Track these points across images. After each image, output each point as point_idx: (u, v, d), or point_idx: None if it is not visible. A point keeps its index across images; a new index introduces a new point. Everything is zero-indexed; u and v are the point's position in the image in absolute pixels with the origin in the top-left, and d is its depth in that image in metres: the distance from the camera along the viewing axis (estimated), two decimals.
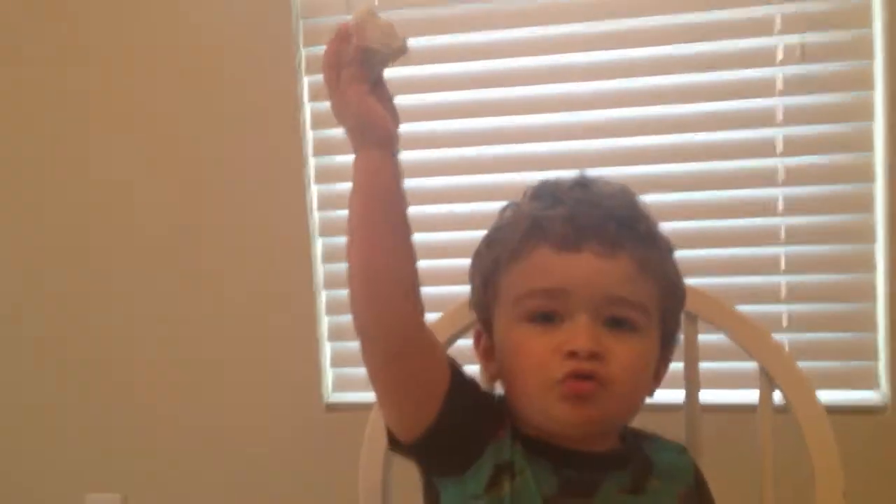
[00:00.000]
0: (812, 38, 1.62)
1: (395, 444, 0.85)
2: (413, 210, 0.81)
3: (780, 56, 1.63)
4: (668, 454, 0.90)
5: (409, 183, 0.80)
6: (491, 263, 0.86)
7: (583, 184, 0.87)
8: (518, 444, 0.84)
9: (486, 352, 0.89)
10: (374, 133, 0.79)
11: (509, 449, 0.83)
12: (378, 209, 0.79)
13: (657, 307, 0.83)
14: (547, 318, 0.81)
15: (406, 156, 0.82)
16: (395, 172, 0.79)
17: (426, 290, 0.80)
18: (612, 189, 0.87)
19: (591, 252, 0.80)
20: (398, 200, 0.79)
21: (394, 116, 0.80)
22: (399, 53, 0.78)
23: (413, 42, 0.79)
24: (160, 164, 1.89)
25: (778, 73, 1.64)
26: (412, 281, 0.79)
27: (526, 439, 0.84)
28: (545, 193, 0.86)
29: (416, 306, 0.80)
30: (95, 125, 1.91)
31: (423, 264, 0.80)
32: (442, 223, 1.79)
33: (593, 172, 0.89)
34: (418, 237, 0.80)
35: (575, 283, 0.80)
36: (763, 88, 1.65)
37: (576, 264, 0.80)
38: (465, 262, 0.92)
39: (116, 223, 1.93)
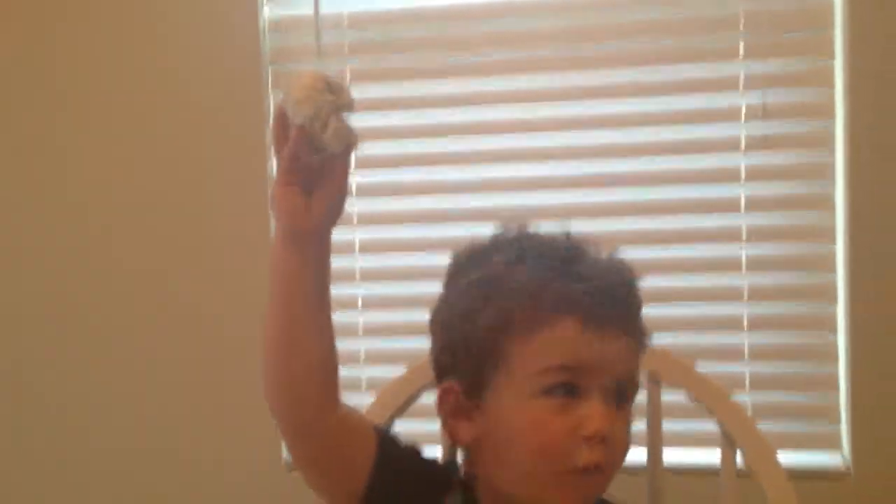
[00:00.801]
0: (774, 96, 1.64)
1: None
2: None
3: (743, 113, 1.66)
4: None
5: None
6: (495, 325, 0.81)
7: (581, 254, 0.85)
8: None
9: (459, 412, 0.85)
10: (281, 224, 0.77)
11: None
12: (286, 301, 0.77)
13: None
14: (568, 392, 0.79)
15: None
16: (301, 266, 0.76)
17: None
18: (614, 258, 0.86)
19: (613, 330, 0.80)
20: (309, 296, 0.77)
21: (328, 210, 0.76)
22: (338, 110, 0.71)
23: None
24: (131, 180, 1.86)
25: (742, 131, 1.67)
26: (317, 371, 0.77)
27: None
28: (548, 256, 0.83)
29: (323, 393, 0.78)
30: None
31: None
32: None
33: (567, 230, 0.88)
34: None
35: (598, 361, 0.79)
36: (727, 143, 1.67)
37: (598, 343, 0.79)
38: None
39: (76, 231, 1.88)
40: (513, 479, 0.82)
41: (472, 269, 0.85)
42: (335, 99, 0.71)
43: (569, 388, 0.79)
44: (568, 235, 0.87)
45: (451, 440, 0.88)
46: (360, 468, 0.80)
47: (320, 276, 0.78)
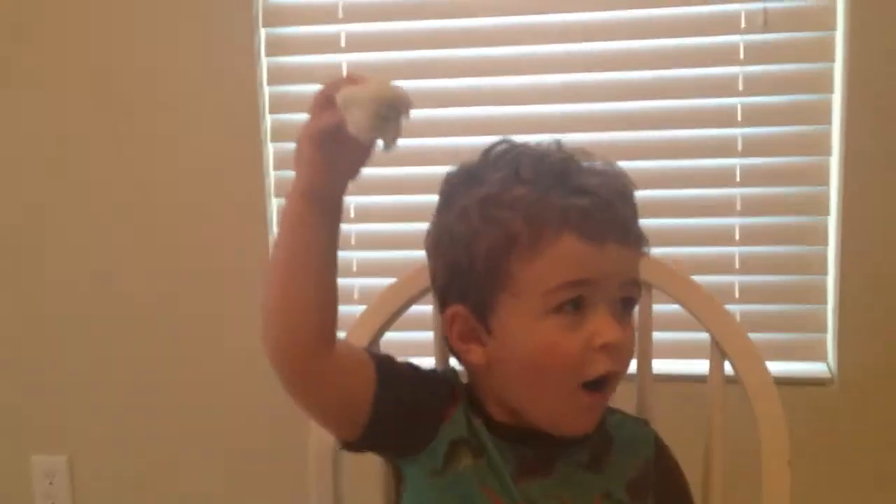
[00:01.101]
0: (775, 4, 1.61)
1: (342, 443, 0.85)
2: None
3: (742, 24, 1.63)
4: (629, 429, 0.90)
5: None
6: (497, 246, 0.80)
7: (576, 166, 0.83)
8: (478, 421, 0.84)
9: (468, 336, 0.84)
10: (298, 181, 0.76)
11: (465, 426, 0.83)
12: (294, 250, 0.77)
13: None
14: (576, 307, 0.79)
15: None
16: (315, 226, 0.76)
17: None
18: (609, 167, 0.85)
19: (615, 241, 0.80)
20: (318, 253, 0.77)
21: (345, 175, 0.77)
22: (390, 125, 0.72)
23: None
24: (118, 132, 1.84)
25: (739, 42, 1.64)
26: (316, 313, 0.77)
27: (487, 419, 0.84)
28: (544, 171, 0.81)
29: (321, 336, 0.78)
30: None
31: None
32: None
33: (561, 139, 0.86)
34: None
35: (602, 273, 0.79)
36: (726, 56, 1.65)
37: (602, 255, 0.79)
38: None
39: (70, 183, 1.87)
40: (528, 397, 0.82)
41: (468, 190, 0.83)
42: (392, 122, 0.72)
43: (576, 303, 0.79)
44: (559, 145, 0.85)
45: (464, 365, 0.88)
46: (362, 399, 0.80)
47: (331, 232, 0.78)
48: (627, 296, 0.82)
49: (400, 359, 0.88)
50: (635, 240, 0.83)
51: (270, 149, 1.82)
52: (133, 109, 1.83)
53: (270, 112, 1.80)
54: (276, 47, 1.79)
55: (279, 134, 1.80)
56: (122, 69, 1.82)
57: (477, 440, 0.83)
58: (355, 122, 0.70)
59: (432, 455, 0.82)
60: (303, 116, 0.76)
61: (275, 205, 1.83)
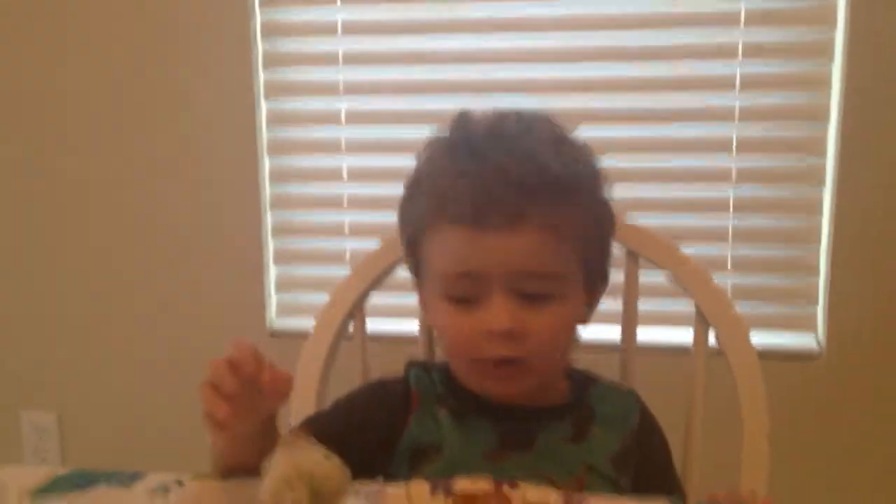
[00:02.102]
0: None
1: None
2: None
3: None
4: (613, 401, 0.90)
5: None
6: (411, 225, 0.85)
7: (496, 132, 0.81)
8: (443, 410, 0.84)
9: (420, 301, 0.89)
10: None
11: (431, 420, 0.84)
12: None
13: (577, 261, 0.81)
14: (465, 301, 0.80)
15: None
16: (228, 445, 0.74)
17: None
18: (525, 134, 0.81)
19: (494, 229, 0.77)
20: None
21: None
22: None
23: None
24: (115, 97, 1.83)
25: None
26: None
27: (465, 396, 0.84)
28: (456, 145, 0.81)
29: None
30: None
31: None
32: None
33: (510, 105, 0.85)
34: None
35: (484, 264, 0.78)
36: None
37: (482, 245, 0.78)
38: None
39: (67, 149, 1.86)
40: (455, 366, 0.86)
41: (416, 162, 0.86)
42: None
43: (467, 295, 0.79)
44: (517, 116, 0.83)
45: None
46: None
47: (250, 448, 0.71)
48: (528, 290, 0.79)
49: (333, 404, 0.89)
50: (527, 224, 0.78)
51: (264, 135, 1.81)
52: (133, 114, 1.82)
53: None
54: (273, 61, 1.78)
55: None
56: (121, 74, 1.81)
57: (442, 435, 0.83)
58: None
59: (399, 467, 0.82)
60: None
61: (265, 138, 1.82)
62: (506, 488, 0.67)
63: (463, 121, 0.84)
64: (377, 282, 1.04)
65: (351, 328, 1.05)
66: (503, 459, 0.81)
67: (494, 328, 0.78)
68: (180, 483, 0.74)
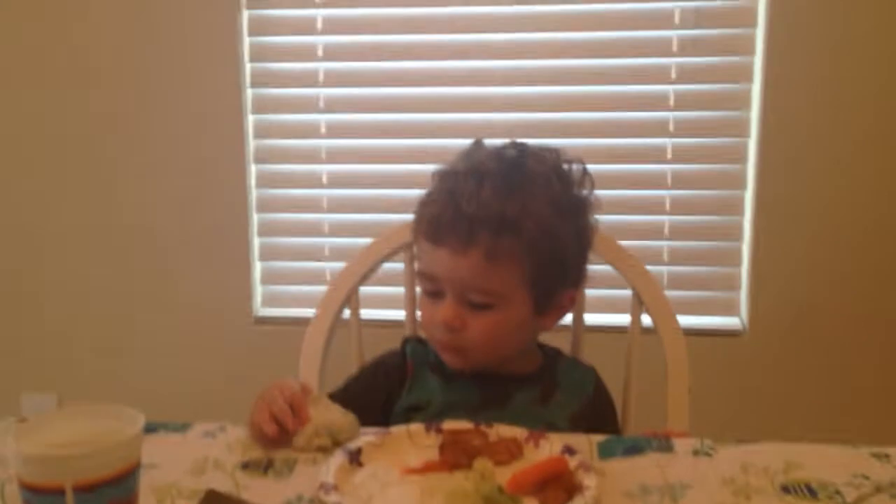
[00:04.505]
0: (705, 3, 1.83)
1: None
2: None
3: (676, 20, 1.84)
4: (575, 373, 1.10)
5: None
6: (411, 231, 1.06)
7: (478, 168, 0.99)
8: (434, 375, 1.05)
9: None
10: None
11: (423, 384, 1.05)
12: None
13: (520, 282, 0.98)
14: (433, 294, 1.01)
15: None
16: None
17: None
18: (500, 172, 0.98)
19: (448, 248, 0.97)
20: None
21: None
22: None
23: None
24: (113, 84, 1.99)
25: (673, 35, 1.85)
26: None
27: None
28: (447, 174, 1.01)
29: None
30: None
31: None
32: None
33: (493, 143, 1.04)
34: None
35: (439, 272, 0.99)
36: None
37: (438, 257, 0.99)
38: None
39: (61, 137, 2.02)
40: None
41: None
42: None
43: (433, 290, 1.00)
44: (514, 152, 1.01)
45: None
46: None
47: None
48: (472, 299, 0.98)
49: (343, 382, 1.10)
50: (480, 252, 0.95)
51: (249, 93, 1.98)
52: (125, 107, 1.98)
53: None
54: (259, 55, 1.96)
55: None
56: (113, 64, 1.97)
57: (430, 397, 1.03)
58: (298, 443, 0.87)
59: (396, 422, 0.99)
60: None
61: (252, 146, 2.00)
62: (483, 427, 0.88)
63: (469, 150, 1.04)
64: (369, 274, 1.23)
65: (346, 314, 1.24)
66: (482, 414, 0.97)
67: (439, 320, 0.99)
68: (223, 429, 0.94)
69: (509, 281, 0.98)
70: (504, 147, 1.03)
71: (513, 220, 0.96)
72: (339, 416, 0.90)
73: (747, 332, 1.91)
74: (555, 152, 1.04)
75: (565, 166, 1.04)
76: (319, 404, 0.91)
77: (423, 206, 1.02)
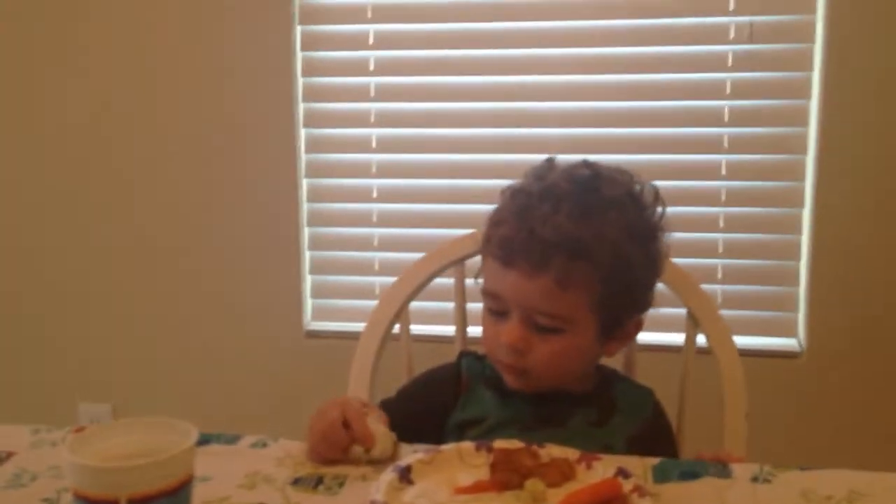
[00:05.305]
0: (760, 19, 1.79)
1: None
2: None
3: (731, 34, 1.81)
4: (633, 395, 1.08)
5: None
6: (480, 248, 1.04)
7: (551, 189, 0.97)
8: (489, 391, 1.03)
9: None
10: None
11: (478, 399, 1.04)
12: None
13: (590, 308, 0.97)
14: (497, 313, 1.00)
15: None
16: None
17: None
18: (573, 194, 0.96)
19: (519, 271, 0.96)
20: None
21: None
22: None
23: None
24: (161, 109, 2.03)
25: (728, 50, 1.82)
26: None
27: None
28: (519, 193, 0.99)
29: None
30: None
31: None
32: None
33: (565, 160, 1.02)
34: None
35: (507, 293, 0.98)
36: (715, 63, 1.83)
37: (507, 279, 0.97)
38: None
39: (116, 154, 2.06)
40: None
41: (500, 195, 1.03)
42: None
43: (497, 309, 0.99)
44: (587, 174, 0.99)
45: None
46: None
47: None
48: (539, 322, 0.96)
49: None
50: (551, 276, 0.94)
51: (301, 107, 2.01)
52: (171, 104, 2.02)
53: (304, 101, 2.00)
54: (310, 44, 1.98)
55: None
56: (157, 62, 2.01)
57: (485, 406, 1.03)
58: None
59: (448, 439, 1.01)
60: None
61: (304, 160, 2.02)
62: (535, 447, 0.87)
63: (540, 170, 1.02)
64: (420, 289, 1.23)
65: (396, 329, 1.24)
66: (537, 433, 0.97)
67: (503, 341, 0.97)
68: (275, 440, 0.94)
69: (578, 306, 0.96)
70: (576, 166, 1.01)
71: (587, 247, 0.94)
72: (382, 433, 0.90)
73: (805, 354, 1.87)
74: (627, 174, 1.02)
75: (637, 188, 1.02)
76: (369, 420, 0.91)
77: (494, 225, 1.00)
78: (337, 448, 0.89)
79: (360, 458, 0.88)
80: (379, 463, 0.88)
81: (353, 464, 0.88)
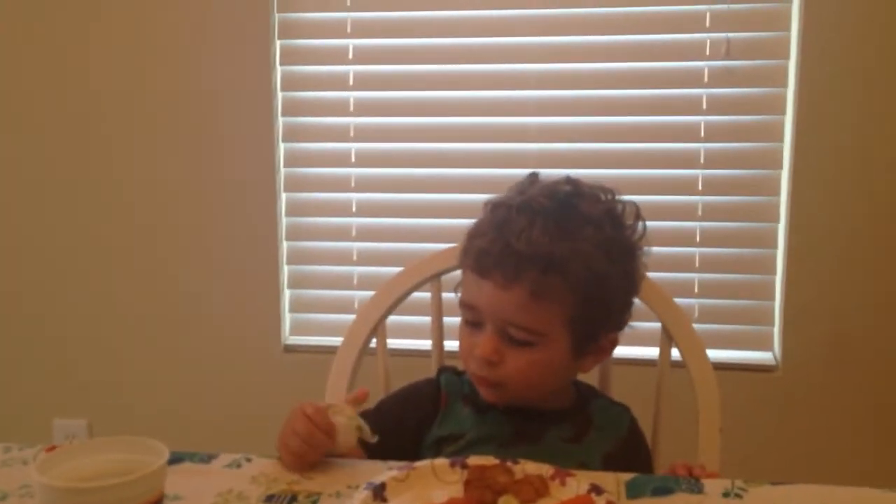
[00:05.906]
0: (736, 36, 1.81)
1: None
2: None
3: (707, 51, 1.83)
4: (609, 412, 1.09)
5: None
6: (458, 260, 1.05)
7: (531, 204, 0.98)
8: (467, 407, 1.04)
9: None
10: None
11: (456, 415, 1.04)
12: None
13: (563, 323, 0.97)
14: (473, 324, 1.00)
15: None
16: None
17: None
18: (550, 210, 0.97)
19: (493, 282, 0.97)
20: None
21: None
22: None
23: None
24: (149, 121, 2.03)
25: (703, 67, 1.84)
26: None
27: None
28: (498, 207, 1.00)
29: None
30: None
31: None
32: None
33: (548, 176, 1.03)
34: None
35: (482, 304, 0.98)
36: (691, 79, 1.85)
37: (482, 290, 0.98)
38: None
39: (96, 173, 2.05)
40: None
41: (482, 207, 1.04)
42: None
43: (473, 321, 1.00)
44: (567, 189, 1.00)
45: None
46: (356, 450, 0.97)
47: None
48: (513, 335, 0.97)
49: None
50: (525, 289, 0.95)
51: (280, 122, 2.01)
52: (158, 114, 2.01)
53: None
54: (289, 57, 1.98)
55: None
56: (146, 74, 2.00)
57: (463, 423, 1.03)
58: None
59: (426, 455, 1.01)
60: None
61: (283, 174, 2.02)
62: (509, 463, 0.87)
63: (522, 184, 1.03)
64: (396, 304, 1.23)
65: (374, 343, 1.25)
66: (514, 449, 0.97)
67: (477, 353, 0.98)
68: (248, 459, 0.94)
69: (551, 320, 0.97)
70: (558, 182, 1.02)
71: (561, 261, 0.95)
72: (347, 421, 0.93)
73: (780, 367, 1.88)
74: (610, 192, 1.03)
75: (619, 206, 1.03)
76: (335, 409, 0.95)
77: (472, 237, 1.01)
78: (322, 449, 0.91)
79: (331, 452, 0.90)
80: (346, 456, 0.92)
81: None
